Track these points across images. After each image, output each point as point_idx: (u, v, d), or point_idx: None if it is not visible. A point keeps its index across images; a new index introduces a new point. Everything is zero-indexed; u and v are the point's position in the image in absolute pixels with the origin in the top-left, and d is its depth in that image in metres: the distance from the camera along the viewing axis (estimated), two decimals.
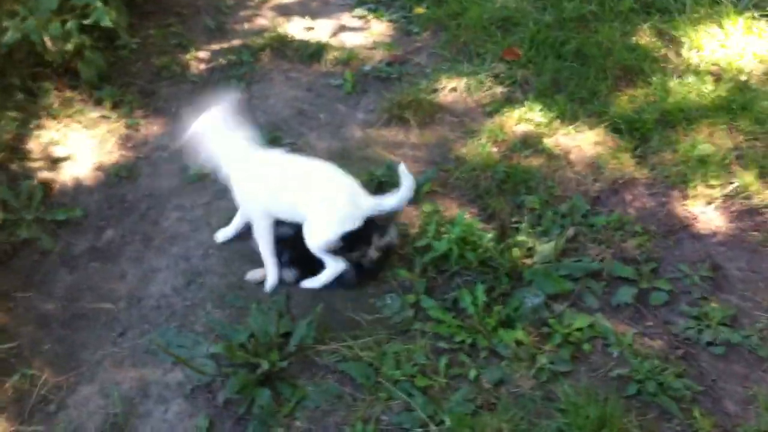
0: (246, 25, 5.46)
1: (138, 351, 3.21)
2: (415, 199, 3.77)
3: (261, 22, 5.51)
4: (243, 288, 3.44)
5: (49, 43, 4.24)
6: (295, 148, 4.18)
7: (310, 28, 5.37)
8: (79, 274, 3.57)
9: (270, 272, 3.45)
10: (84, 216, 3.85)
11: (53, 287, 3.50)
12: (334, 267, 3.41)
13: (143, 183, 4.06)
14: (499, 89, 4.54)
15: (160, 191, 4.00)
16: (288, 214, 3.38)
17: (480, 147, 4.10)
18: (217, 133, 3.37)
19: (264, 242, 3.44)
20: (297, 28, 5.38)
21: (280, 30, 5.25)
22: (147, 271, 3.57)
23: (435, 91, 4.58)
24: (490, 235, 3.52)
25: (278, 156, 3.49)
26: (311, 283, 3.45)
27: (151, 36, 5.27)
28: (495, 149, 4.12)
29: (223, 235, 3.69)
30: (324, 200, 3.28)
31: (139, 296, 3.44)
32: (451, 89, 4.59)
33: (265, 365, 3.01)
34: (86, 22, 4.32)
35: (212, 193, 3.95)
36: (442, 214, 3.72)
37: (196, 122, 3.38)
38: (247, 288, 3.44)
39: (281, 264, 3.48)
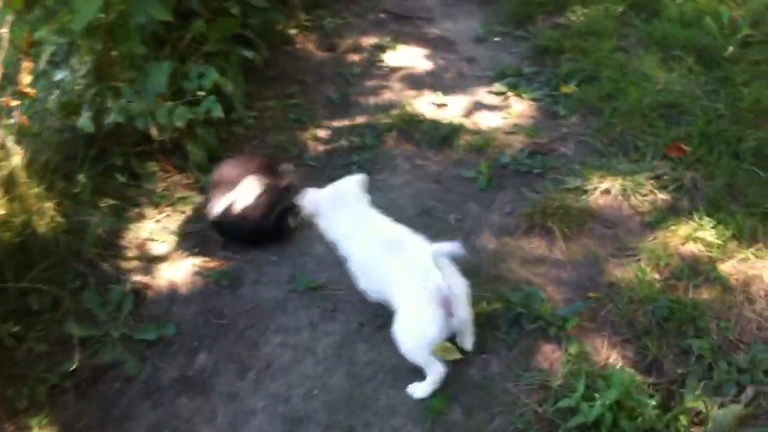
0: (371, 99, 4.96)
1: None
2: (558, 337, 3.12)
3: (388, 95, 4.99)
4: None
5: (154, 131, 3.83)
6: None
7: (441, 105, 4.81)
8: (164, 410, 3.09)
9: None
10: (176, 334, 3.37)
11: (133, 427, 3.03)
12: (434, 372, 2.98)
13: (245, 293, 3.57)
14: (661, 195, 3.83)
15: (263, 305, 3.50)
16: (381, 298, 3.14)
17: (638, 272, 3.40)
18: (345, 202, 3.22)
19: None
20: (427, 104, 4.83)
21: (408, 108, 4.69)
22: (240, 412, 3.05)
23: (584, 192, 3.89)
24: (653, 402, 2.81)
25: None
26: (419, 393, 3.02)
27: (270, 109, 4.84)
28: (656, 275, 3.39)
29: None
30: (412, 300, 2.92)
31: None
32: (604, 191, 3.90)
33: None
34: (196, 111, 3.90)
35: (320, 311, 3.42)
36: (591, 359, 3.03)
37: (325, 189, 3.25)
38: None
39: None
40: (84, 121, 3.82)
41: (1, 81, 3.71)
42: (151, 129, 3.90)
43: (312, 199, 3.22)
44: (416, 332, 2.90)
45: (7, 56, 3.69)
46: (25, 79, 3.73)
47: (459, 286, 2.92)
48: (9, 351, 3.26)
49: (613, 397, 2.80)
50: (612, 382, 2.86)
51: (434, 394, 3.00)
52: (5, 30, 3.66)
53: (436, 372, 2.97)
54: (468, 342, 3.13)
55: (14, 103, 3.72)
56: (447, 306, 2.83)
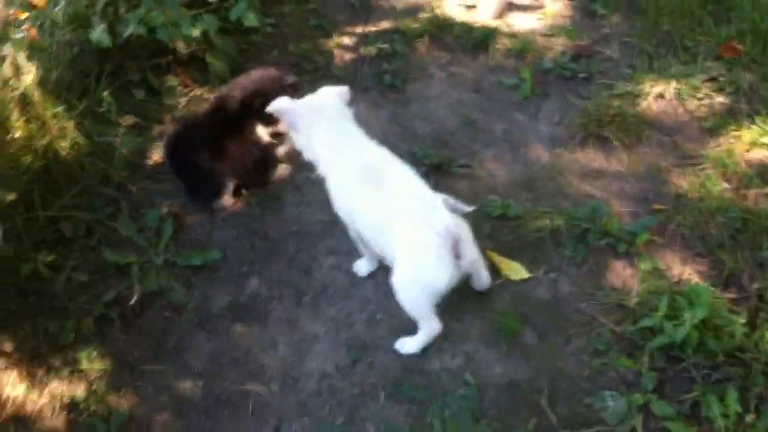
0: (393, 2, 4.63)
1: None
2: (629, 253, 2.96)
3: None
4: (423, 373, 2.73)
5: (181, 44, 3.52)
6: (470, 173, 3.40)
7: (470, 7, 4.51)
8: (221, 340, 2.92)
9: None
10: (222, 259, 3.17)
11: (189, 359, 2.88)
12: (428, 329, 2.74)
13: (289, 215, 3.36)
14: (718, 98, 3.65)
15: (309, 227, 3.30)
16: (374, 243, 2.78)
17: (705, 181, 3.24)
18: (326, 114, 2.79)
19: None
20: (455, 7, 4.52)
21: (438, 11, 4.39)
22: (302, 339, 2.90)
23: (636, 97, 3.69)
24: (742, 320, 2.69)
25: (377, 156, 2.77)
26: (409, 347, 2.80)
27: (286, 15, 4.52)
28: (724, 184, 3.24)
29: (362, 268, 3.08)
30: (414, 247, 2.56)
31: (295, 376, 2.79)
32: (657, 96, 3.70)
33: None
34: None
35: None
36: (666, 276, 2.91)
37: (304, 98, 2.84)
38: (427, 374, 2.72)
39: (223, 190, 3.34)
40: (98, 34, 3.50)
41: None
42: (176, 41, 3.58)
43: (287, 110, 2.81)
44: (426, 279, 2.56)
45: None
46: None
47: (461, 224, 2.60)
48: (47, 283, 3.05)
49: (701, 316, 2.68)
50: (697, 300, 2.74)
51: (506, 314, 2.84)
52: None
53: (433, 329, 2.74)
54: (484, 281, 2.89)
55: (23, 15, 3.37)
56: (455, 247, 2.49)
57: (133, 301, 2.98)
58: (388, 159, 2.73)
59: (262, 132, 3.34)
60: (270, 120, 3.17)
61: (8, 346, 2.90)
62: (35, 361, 2.88)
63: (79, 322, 2.95)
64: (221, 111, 3.26)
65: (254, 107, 3.18)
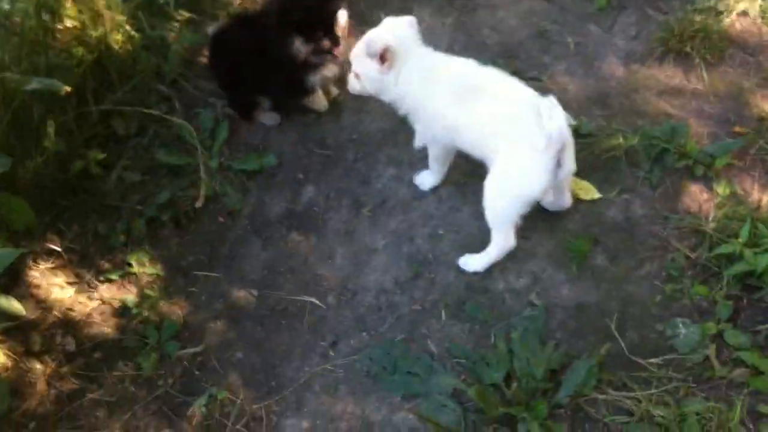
0: None
1: (356, 373, 2.51)
2: (706, 176, 2.80)
3: None
4: (487, 292, 2.61)
5: None
6: (540, 86, 3.20)
7: None
8: (276, 248, 2.82)
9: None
10: (278, 165, 3.05)
11: (245, 266, 2.79)
12: (502, 244, 2.60)
13: (348, 122, 3.22)
14: None
15: (368, 136, 3.16)
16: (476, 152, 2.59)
17: None
18: (403, 44, 2.54)
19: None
20: None
21: None
22: (360, 251, 2.79)
23: (719, 14, 3.44)
24: None
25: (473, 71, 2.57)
26: (475, 264, 2.67)
27: None
28: None
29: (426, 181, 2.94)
30: (511, 154, 2.42)
31: (353, 289, 2.70)
32: (741, 13, 3.44)
33: (530, 422, 2.21)
34: None
35: None
36: (745, 202, 2.74)
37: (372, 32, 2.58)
38: (491, 293, 2.61)
39: (262, 109, 3.14)
40: None
41: None
42: None
43: (386, 45, 2.51)
44: (525, 183, 2.42)
45: None
46: None
47: (568, 132, 2.41)
48: (98, 182, 2.95)
49: None
50: None
51: (577, 235, 2.71)
52: None
53: (506, 245, 2.59)
54: (566, 200, 2.74)
55: None
56: (560, 153, 2.35)
57: (198, 204, 2.85)
58: (483, 70, 2.57)
59: (301, 49, 2.88)
60: (311, 35, 2.82)
61: (56, 246, 2.82)
62: (84, 262, 2.82)
63: (130, 223, 2.88)
64: (264, 17, 2.95)
65: (293, 18, 2.81)
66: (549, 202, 2.69)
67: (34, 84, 2.54)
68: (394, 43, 2.52)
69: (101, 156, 2.98)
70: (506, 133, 2.41)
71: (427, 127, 2.67)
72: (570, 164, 2.48)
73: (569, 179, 2.65)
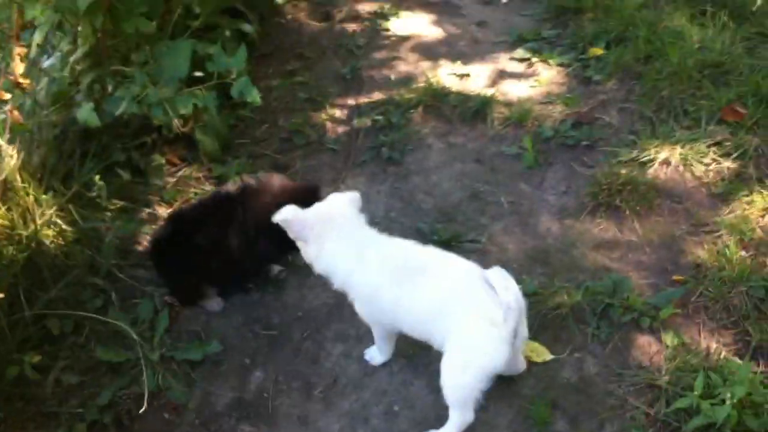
0: (385, 72, 4.56)
1: None
2: (653, 328, 2.85)
3: (403, 67, 4.59)
4: None
5: (174, 123, 3.35)
6: (479, 248, 3.24)
7: (463, 75, 4.44)
8: None
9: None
10: (222, 351, 2.97)
11: None
12: (462, 419, 2.51)
13: (291, 300, 3.18)
14: (725, 163, 3.54)
15: (314, 311, 3.13)
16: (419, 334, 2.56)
17: (723, 250, 3.11)
18: (338, 223, 2.58)
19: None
20: (448, 76, 4.43)
21: (433, 80, 4.29)
22: None
23: (642, 164, 3.58)
24: None
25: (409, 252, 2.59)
26: None
27: (275, 88, 4.39)
28: (742, 252, 3.11)
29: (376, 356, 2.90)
30: (467, 331, 2.39)
31: None
32: (663, 162, 3.59)
33: None
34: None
35: None
36: (694, 351, 2.77)
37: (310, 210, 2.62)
38: None
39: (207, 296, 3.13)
40: (86, 113, 3.32)
41: None
42: (162, 120, 3.41)
43: (295, 221, 2.59)
44: (487, 359, 2.38)
45: None
46: (18, 67, 3.19)
47: (523, 301, 2.43)
48: (34, 386, 2.81)
49: (741, 394, 2.53)
50: (733, 377, 2.59)
51: (534, 400, 2.66)
52: None
53: (466, 419, 2.52)
54: (520, 365, 2.73)
55: (6, 96, 3.18)
56: (518, 324, 2.36)
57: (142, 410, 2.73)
58: (417, 249, 2.58)
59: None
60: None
61: None
62: None
63: (71, 429, 2.71)
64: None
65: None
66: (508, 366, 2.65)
67: None
68: (311, 219, 2.57)
69: (37, 359, 2.83)
70: (456, 311, 2.38)
71: (367, 306, 2.64)
72: (524, 330, 2.47)
73: (522, 344, 2.61)
